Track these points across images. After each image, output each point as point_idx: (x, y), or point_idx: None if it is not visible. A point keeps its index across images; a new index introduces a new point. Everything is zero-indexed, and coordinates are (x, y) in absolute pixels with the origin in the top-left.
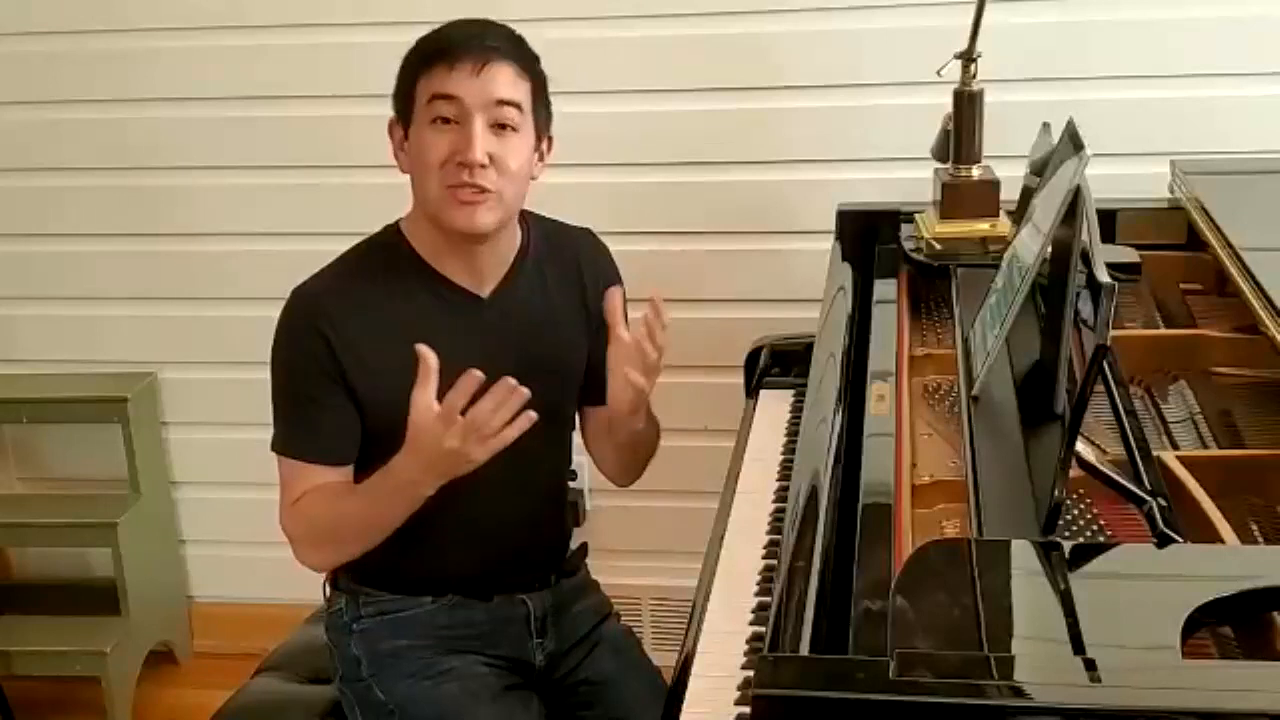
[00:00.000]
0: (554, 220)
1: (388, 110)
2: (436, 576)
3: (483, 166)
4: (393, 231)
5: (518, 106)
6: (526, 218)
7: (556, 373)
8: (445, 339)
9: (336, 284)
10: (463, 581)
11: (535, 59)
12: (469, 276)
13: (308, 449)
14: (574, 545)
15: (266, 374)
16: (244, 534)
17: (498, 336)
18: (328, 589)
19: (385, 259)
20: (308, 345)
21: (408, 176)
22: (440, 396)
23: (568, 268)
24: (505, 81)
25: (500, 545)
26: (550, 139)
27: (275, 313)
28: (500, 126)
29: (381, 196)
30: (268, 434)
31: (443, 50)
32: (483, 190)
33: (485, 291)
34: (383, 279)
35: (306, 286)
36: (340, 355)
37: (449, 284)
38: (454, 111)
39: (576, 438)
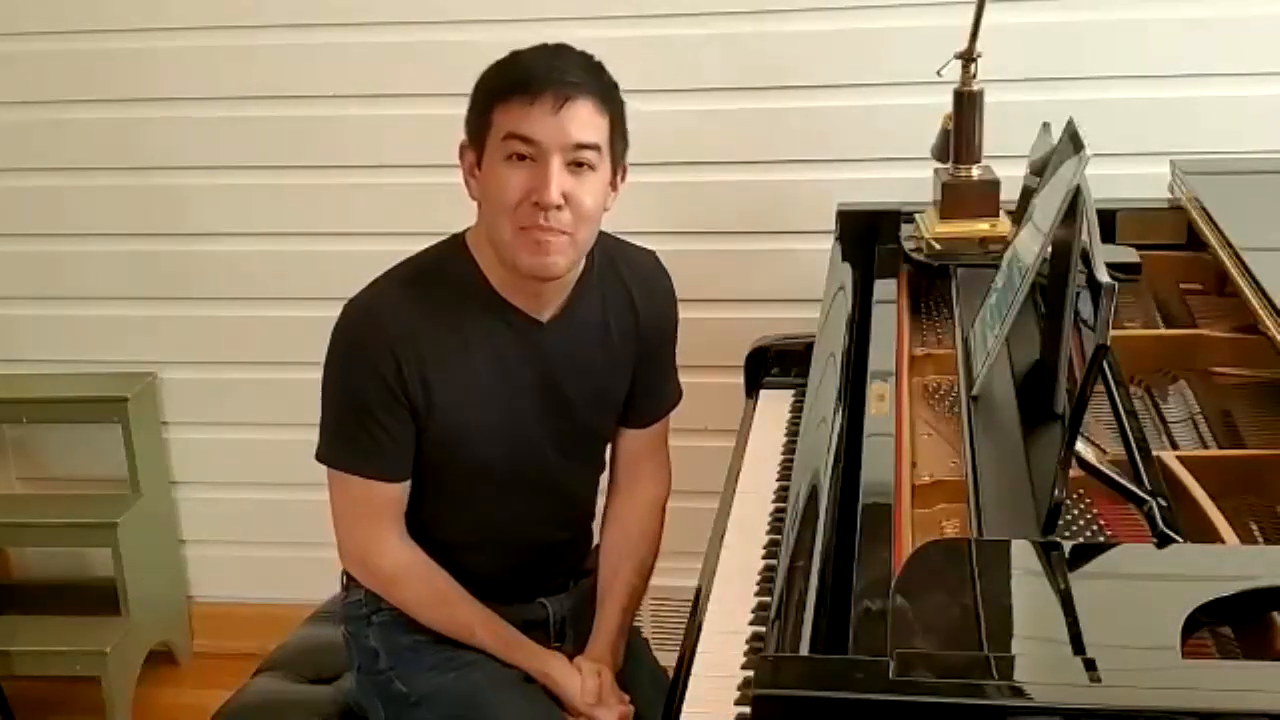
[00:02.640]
0: (618, 239)
1: (388, 110)
2: (460, 579)
3: (558, 208)
4: (458, 248)
5: (596, 148)
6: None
7: (602, 400)
8: (503, 363)
9: (401, 303)
10: (485, 584)
11: (614, 87)
12: (532, 302)
13: (372, 466)
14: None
15: (267, 374)
16: (244, 534)
17: (553, 361)
18: (344, 579)
19: (447, 277)
20: (375, 363)
21: (417, 179)
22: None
23: (626, 293)
24: (584, 121)
25: (527, 554)
26: (625, 168)
27: (275, 313)
28: (578, 165)
29: (380, 197)
30: (267, 434)
31: (521, 84)
32: (556, 233)
33: (545, 316)
34: (446, 300)
35: (371, 302)
36: (407, 375)
37: (511, 308)
38: (530, 150)
39: None
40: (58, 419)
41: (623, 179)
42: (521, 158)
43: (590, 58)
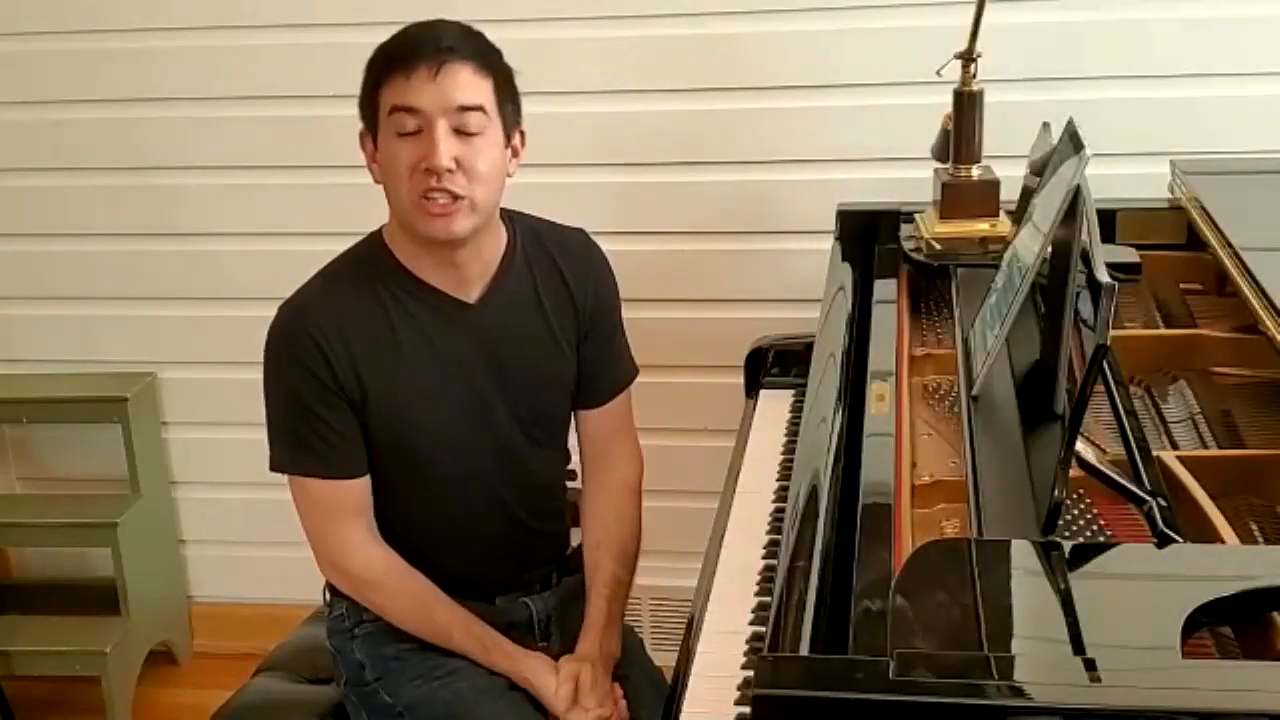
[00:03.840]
0: (545, 220)
1: None
2: (438, 580)
3: (450, 172)
4: (375, 241)
5: (480, 109)
6: (513, 218)
7: (549, 375)
8: (436, 346)
9: (324, 297)
10: (464, 584)
11: (496, 53)
12: (454, 282)
13: (326, 465)
14: (574, 544)
15: None
16: (244, 534)
17: (488, 341)
18: (327, 595)
19: (369, 270)
20: (306, 360)
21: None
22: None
23: (556, 268)
24: (464, 84)
25: (500, 547)
26: (523, 133)
27: (275, 313)
28: (464, 132)
29: (381, 197)
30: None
31: (398, 58)
32: (454, 197)
33: (472, 296)
34: (369, 290)
35: (294, 301)
36: (336, 368)
37: (435, 291)
38: (415, 122)
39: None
40: (58, 419)
41: (522, 144)
42: (410, 131)
43: (469, 27)
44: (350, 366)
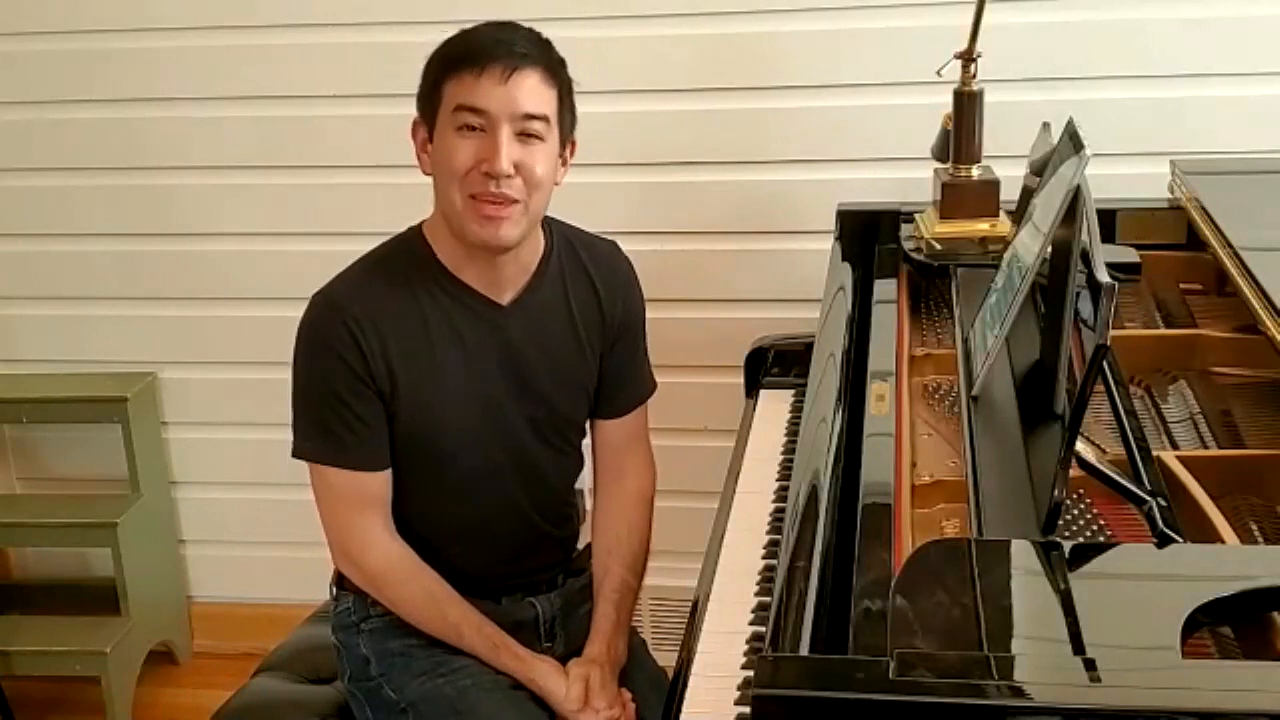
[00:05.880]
0: (579, 229)
1: (388, 110)
2: (446, 577)
3: (509, 176)
4: (415, 235)
5: (545, 119)
6: (550, 224)
7: (571, 382)
8: (465, 346)
9: (359, 288)
10: (472, 583)
11: (562, 63)
12: (489, 283)
13: (349, 456)
14: (579, 545)
15: (266, 374)
16: (244, 534)
17: (516, 344)
18: (334, 589)
19: (406, 263)
20: (340, 348)
21: (420, 179)
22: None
23: (588, 278)
24: (532, 90)
25: (509, 548)
26: (574, 142)
27: (275, 313)
28: (526, 135)
29: (381, 197)
30: (267, 434)
31: (470, 56)
32: (508, 201)
33: (505, 299)
34: (405, 284)
35: (330, 290)
36: (370, 359)
37: (470, 290)
38: (480, 120)
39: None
40: (58, 419)
41: (571, 154)
42: (472, 128)
43: (539, 34)
44: (383, 358)
